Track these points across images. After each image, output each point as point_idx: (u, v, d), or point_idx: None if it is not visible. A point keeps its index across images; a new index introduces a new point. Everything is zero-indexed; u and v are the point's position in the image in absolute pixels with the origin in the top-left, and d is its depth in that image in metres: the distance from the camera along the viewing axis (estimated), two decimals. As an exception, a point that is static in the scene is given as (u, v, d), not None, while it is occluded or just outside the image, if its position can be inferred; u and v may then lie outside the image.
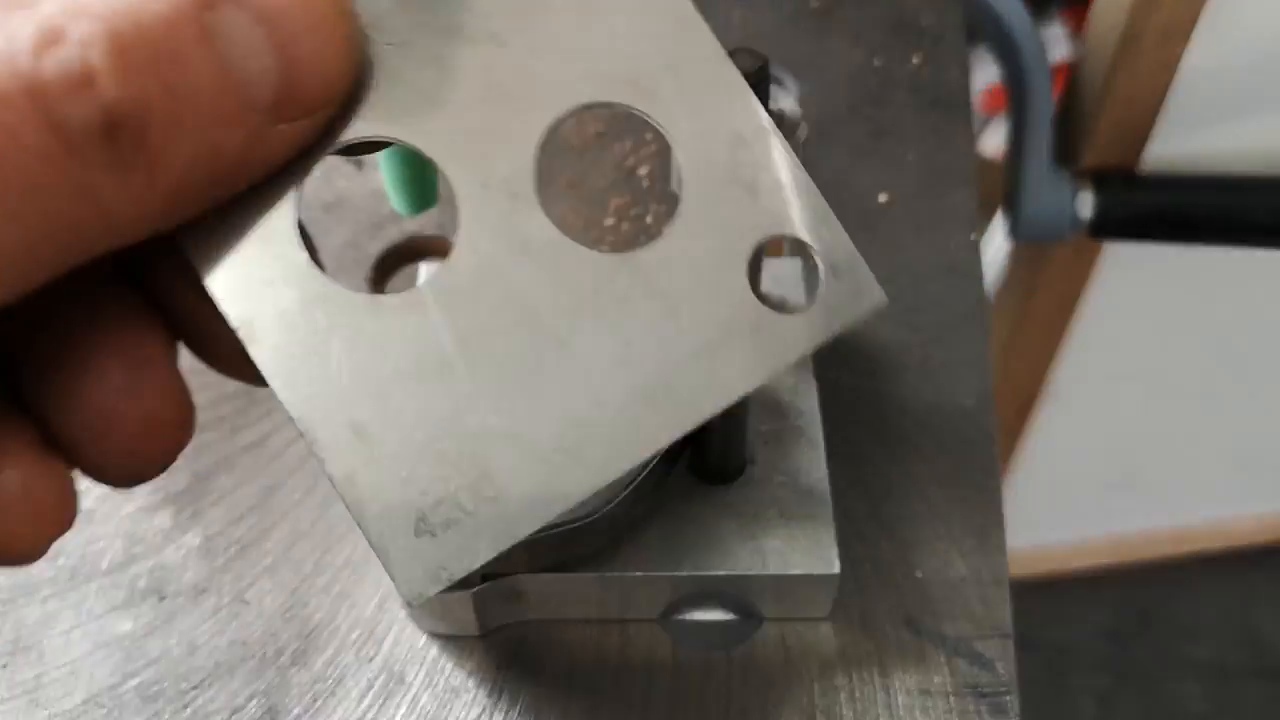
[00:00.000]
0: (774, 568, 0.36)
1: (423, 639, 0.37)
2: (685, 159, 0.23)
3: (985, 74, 1.10)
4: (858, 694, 0.36)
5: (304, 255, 0.22)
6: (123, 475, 0.22)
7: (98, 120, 0.18)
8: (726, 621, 0.38)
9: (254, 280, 0.22)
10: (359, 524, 0.23)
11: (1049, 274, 0.90)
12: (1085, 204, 0.77)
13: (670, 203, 0.51)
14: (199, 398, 0.41)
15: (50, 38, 0.17)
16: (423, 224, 0.48)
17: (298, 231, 0.22)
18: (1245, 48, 0.74)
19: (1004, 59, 0.75)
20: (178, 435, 0.22)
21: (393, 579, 0.23)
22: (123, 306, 0.22)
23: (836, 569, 0.36)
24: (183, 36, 0.18)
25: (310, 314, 0.22)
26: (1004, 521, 0.40)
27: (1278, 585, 1.45)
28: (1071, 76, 0.80)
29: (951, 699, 0.36)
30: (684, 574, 0.36)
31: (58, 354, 0.21)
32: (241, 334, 0.22)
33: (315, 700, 0.36)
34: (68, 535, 0.37)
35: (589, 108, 0.24)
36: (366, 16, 0.23)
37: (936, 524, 0.40)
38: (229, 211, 0.22)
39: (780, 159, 0.23)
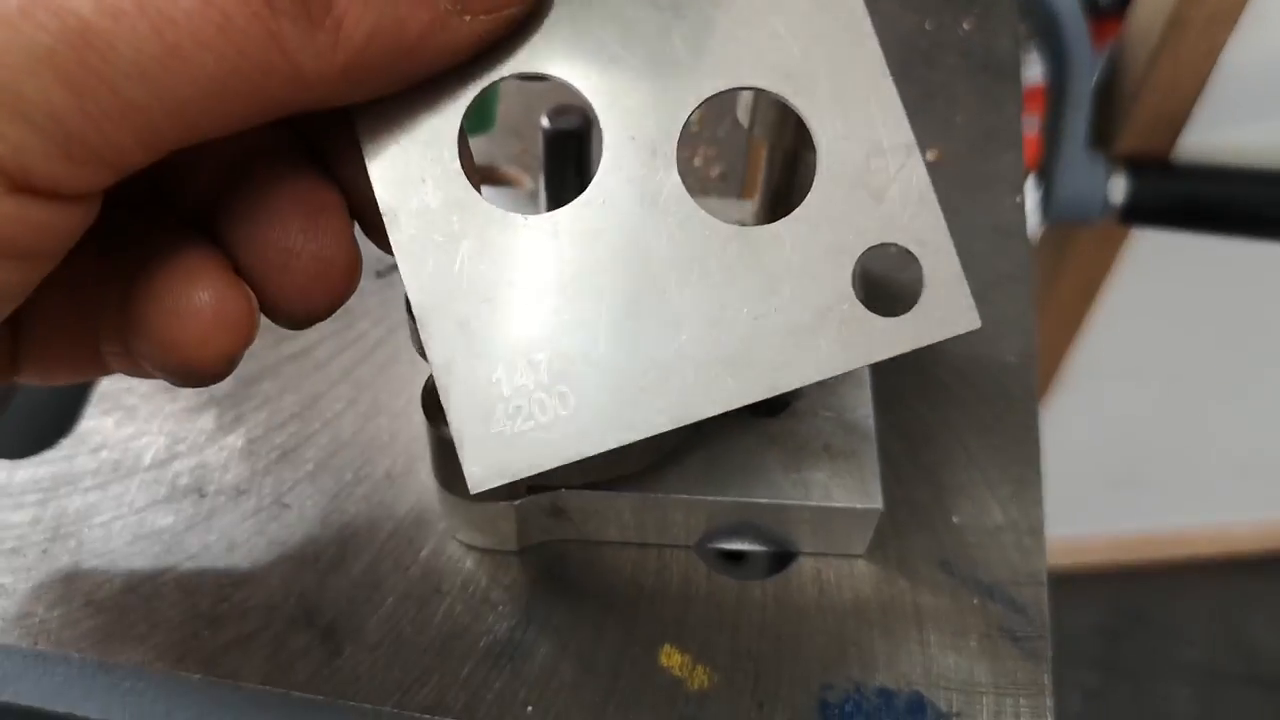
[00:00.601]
0: (816, 499, 0.36)
1: (460, 551, 0.37)
2: (823, 155, 0.25)
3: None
4: (892, 630, 0.36)
5: (457, 164, 0.24)
6: (296, 312, 0.25)
7: None
8: (761, 553, 0.38)
9: (409, 174, 0.24)
10: (445, 408, 0.24)
11: (1074, 259, 0.90)
12: (1118, 188, 0.77)
13: (720, 147, 0.52)
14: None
15: None
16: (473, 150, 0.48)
17: (458, 139, 0.24)
18: (1289, 40, 0.74)
19: (1046, 38, 0.75)
20: (346, 279, 0.25)
21: (462, 464, 0.25)
22: (304, 167, 0.24)
23: (879, 504, 0.36)
24: None
25: (449, 216, 0.24)
26: (1042, 475, 0.40)
27: (1272, 593, 1.45)
28: (1112, 61, 0.80)
29: (985, 641, 0.36)
30: (726, 499, 0.36)
31: (248, 199, 0.24)
32: (386, 219, 0.24)
33: (351, 604, 0.36)
34: (110, 429, 0.37)
35: (744, 90, 0.25)
36: None
37: (974, 472, 0.40)
38: (400, 104, 0.24)
39: (912, 174, 0.25)
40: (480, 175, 0.49)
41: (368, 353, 0.43)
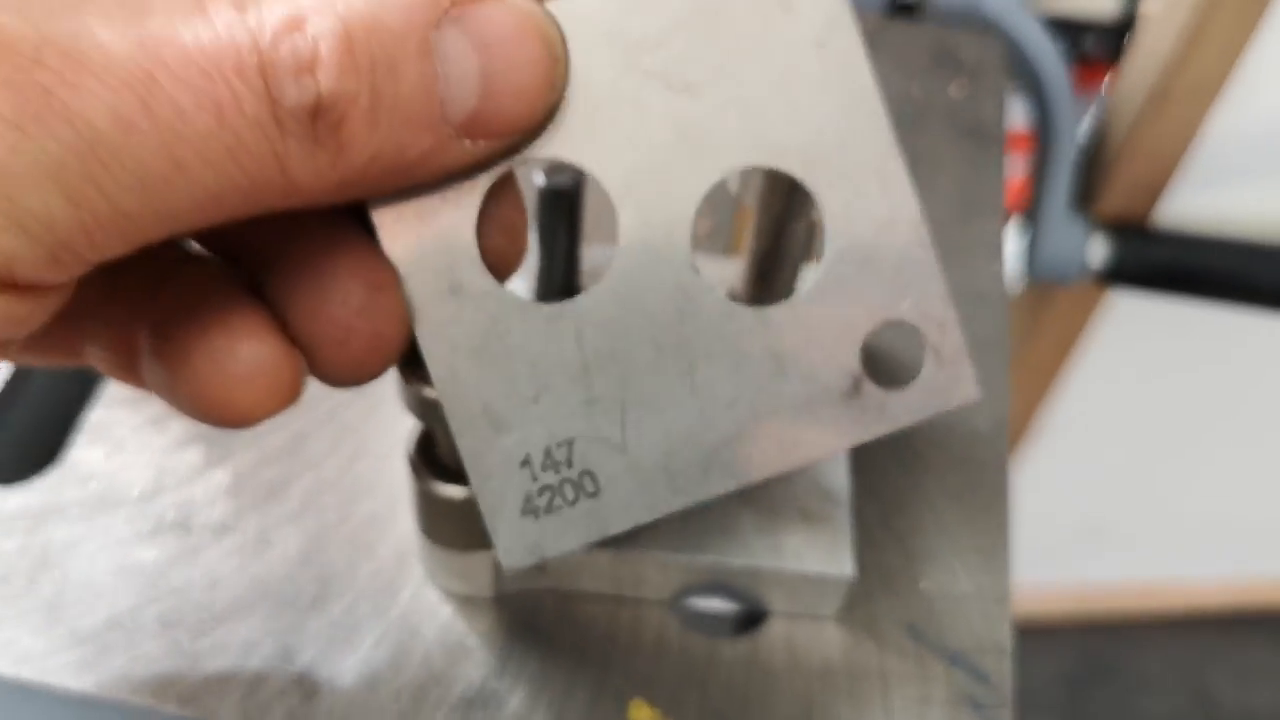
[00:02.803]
0: (789, 564, 0.37)
1: (437, 597, 0.38)
2: (831, 232, 0.25)
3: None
4: (858, 695, 0.37)
5: (476, 253, 0.25)
6: (345, 379, 0.25)
7: (308, 103, 0.20)
8: (733, 612, 0.39)
9: (428, 266, 0.24)
10: (477, 495, 0.26)
11: (1051, 316, 0.92)
12: (1098, 251, 0.79)
13: (708, 203, 0.53)
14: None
15: (292, 25, 0.20)
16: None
17: (474, 227, 0.24)
18: (1269, 114, 0.76)
19: (1033, 100, 0.76)
20: (396, 351, 0.25)
21: (496, 547, 0.26)
22: (360, 237, 0.24)
23: (851, 571, 0.37)
24: (405, 49, 0.21)
25: (468, 305, 0.25)
26: (1009, 543, 0.41)
27: (1235, 649, 1.47)
28: (1096, 126, 0.81)
29: (948, 708, 0.37)
30: (700, 559, 0.37)
31: (307, 268, 0.24)
32: (409, 310, 0.24)
33: (330, 645, 0.37)
34: (99, 461, 0.37)
35: (756, 169, 0.26)
36: (578, 52, 0.24)
37: (944, 539, 0.41)
38: (415, 196, 0.24)
39: (920, 249, 0.25)
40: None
41: (355, 395, 0.44)
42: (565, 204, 0.40)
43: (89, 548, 0.38)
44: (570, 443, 0.25)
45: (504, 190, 0.25)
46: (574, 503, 0.26)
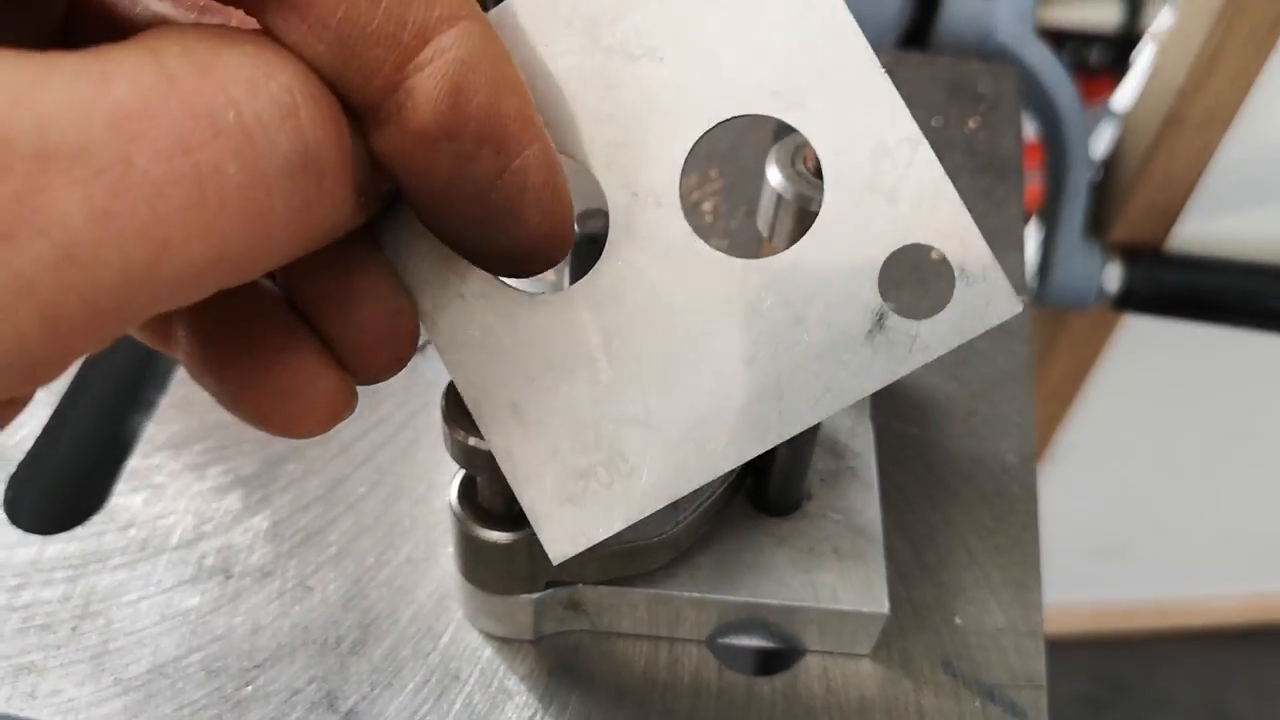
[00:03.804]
0: (825, 601, 0.37)
1: (478, 639, 0.39)
2: (828, 167, 0.24)
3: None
4: (895, 730, 0.37)
5: None
6: (379, 376, 0.25)
7: (298, 151, 0.19)
8: (769, 650, 0.39)
9: (436, 276, 0.25)
10: (516, 493, 0.26)
11: (1066, 341, 0.92)
12: (1113, 276, 0.79)
13: (733, 239, 0.53)
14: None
15: (266, 74, 0.19)
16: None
17: None
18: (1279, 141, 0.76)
19: (1046, 129, 0.77)
20: (410, 357, 0.26)
21: (541, 540, 0.26)
22: (378, 256, 0.25)
23: (886, 609, 0.37)
24: (377, 96, 0.21)
25: (479, 308, 0.25)
26: (1041, 576, 0.42)
27: (1253, 666, 1.46)
28: (1109, 152, 0.82)
29: (984, 743, 0.37)
30: (736, 599, 0.37)
31: (332, 296, 0.24)
32: (423, 321, 0.25)
33: (373, 689, 0.37)
34: (139, 508, 0.38)
35: (737, 119, 0.25)
36: (540, 44, 0.24)
37: (976, 573, 0.41)
38: (412, 213, 0.24)
39: (923, 168, 0.24)
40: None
41: (391, 436, 0.44)
42: (596, 250, 0.41)
43: (131, 595, 0.39)
44: (597, 427, 0.25)
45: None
46: (610, 485, 0.25)
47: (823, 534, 0.39)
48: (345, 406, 0.25)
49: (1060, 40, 1.54)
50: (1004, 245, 0.54)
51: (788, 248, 0.36)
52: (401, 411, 0.45)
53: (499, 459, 0.25)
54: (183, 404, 0.44)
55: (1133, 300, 0.80)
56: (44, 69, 0.17)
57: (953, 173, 0.57)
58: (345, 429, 0.44)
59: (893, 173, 0.24)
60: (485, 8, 0.25)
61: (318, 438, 0.43)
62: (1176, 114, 0.72)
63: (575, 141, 0.25)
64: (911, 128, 0.24)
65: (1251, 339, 0.83)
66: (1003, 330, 0.50)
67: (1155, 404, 1.05)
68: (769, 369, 0.25)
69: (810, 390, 0.25)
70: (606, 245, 0.25)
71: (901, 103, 0.24)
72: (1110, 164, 0.81)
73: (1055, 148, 0.77)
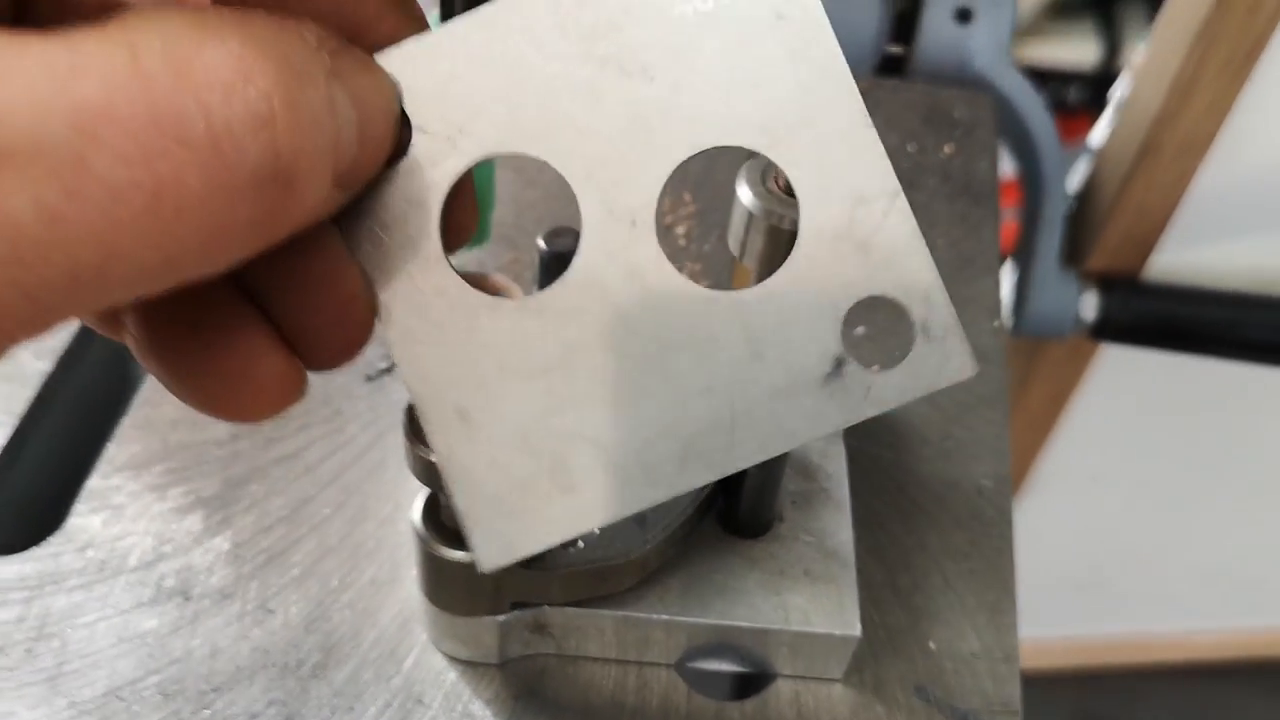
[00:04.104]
0: (795, 624, 0.37)
1: (442, 662, 0.38)
2: (806, 209, 0.24)
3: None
4: (867, 756, 0.37)
5: (440, 253, 0.24)
6: (332, 363, 0.25)
7: (268, 163, 0.19)
8: (739, 674, 0.38)
9: (394, 268, 0.24)
10: (451, 495, 0.25)
11: (1043, 370, 0.92)
12: (1089, 305, 0.79)
13: (705, 262, 0.53)
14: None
15: (244, 78, 0.18)
16: (464, 261, 0.49)
17: (439, 230, 0.24)
18: (1257, 169, 0.76)
19: (1022, 158, 0.77)
20: (363, 347, 0.25)
21: (472, 548, 0.25)
22: (333, 240, 0.24)
23: (858, 631, 0.37)
24: (323, 103, 0.20)
25: (437, 306, 0.24)
26: (1016, 601, 0.41)
27: (1233, 701, 1.46)
28: (1086, 181, 0.82)
29: (958, 769, 0.36)
30: (706, 621, 0.37)
31: (285, 279, 0.24)
32: (379, 314, 0.24)
33: (333, 713, 0.36)
34: (98, 528, 0.37)
35: (720, 149, 0.25)
36: (531, 46, 0.24)
37: (951, 597, 0.41)
38: (378, 200, 0.24)
39: (899, 222, 0.24)
40: (471, 283, 0.50)
41: (357, 457, 0.43)
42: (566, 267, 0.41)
43: (88, 617, 0.38)
44: (543, 438, 0.25)
45: (458, 192, 0.25)
46: (550, 499, 0.25)
47: (794, 556, 0.38)
48: (294, 391, 0.24)
49: (1039, 79, 1.55)
50: (978, 270, 0.54)
51: (758, 267, 0.36)
52: (368, 433, 0.44)
53: (439, 460, 0.25)
54: (144, 424, 0.44)
55: (1109, 329, 0.80)
56: (8, 54, 0.16)
57: (928, 198, 0.58)
58: (311, 449, 0.43)
59: (868, 223, 0.24)
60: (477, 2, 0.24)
61: (283, 459, 0.42)
62: (1152, 143, 0.72)
63: (554, 149, 0.24)
64: (892, 181, 0.24)
65: (1229, 369, 0.83)
66: (977, 355, 0.49)
67: (1133, 434, 1.04)
68: (724, 401, 0.25)
69: (762, 427, 0.25)
70: (575, 258, 0.25)
71: (884, 154, 0.24)
72: (1086, 193, 0.81)
73: (1031, 177, 0.77)
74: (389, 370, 0.46)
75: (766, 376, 0.25)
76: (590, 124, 0.24)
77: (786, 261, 0.25)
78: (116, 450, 0.43)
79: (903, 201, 0.24)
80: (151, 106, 0.17)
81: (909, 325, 0.25)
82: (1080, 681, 1.42)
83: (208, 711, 0.36)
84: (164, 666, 0.37)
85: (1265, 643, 1.42)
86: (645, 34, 0.24)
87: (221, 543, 0.40)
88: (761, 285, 0.25)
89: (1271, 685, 1.46)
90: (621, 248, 0.25)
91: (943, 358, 0.25)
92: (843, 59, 0.24)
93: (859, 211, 0.24)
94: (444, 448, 0.25)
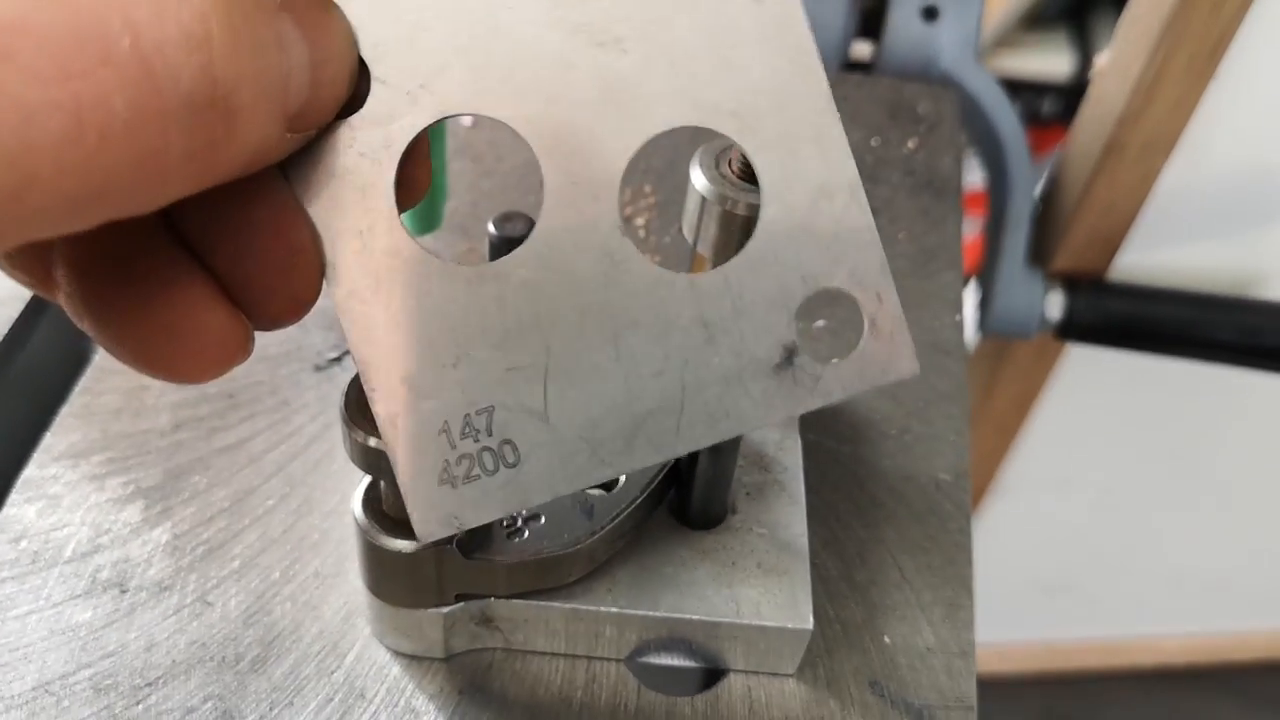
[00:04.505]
0: (747, 617, 0.36)
1: (386, 657, 0.37)
2: (767, 198, 0.24)
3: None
4: (819, 752, 0.36)
5: (394, 211, 0.23)
6: (277, 320, 0.24)
7: (204, 88, 0.18)
8: (691, 669, 0.38)
9: (345, 225, 0.23)
10: (393, 463, 0.24)
11: (1010, 370, 0.92)
12: (1055, 305, 0.79)
13: (664, 254, 0.52)
14: (177, 397, 0.41)
15: None
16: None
17: (393, 188, 0.23)
18: (1221, 169, 0.76)
19: (988, 158, 0.77)
20: (310, 306, 0.24)
21: (411, 516, 0.25)
22: (282, 189, 0.23)
23: (810, 624, 0.36)
24: (269, 31, 0.19)
25: (388, 266, 0.24)
26: (974, 596, 0.40)
27: (1201, 706, 1.46)
28: (1051, 181, 0.82)
29: (912, 765, 0.36)
30: (656, 614, 0.36)
31: (229, 227, 0.22)
32: (326, 272, 0.23)
33: (272, 708, 0.35)
34: (32, 519, 0.36)
35: (689, 129, 0.24)
36: (503, 4, 0.23)
37: (907, 592, 0.40)
38: (331, 152, 0.23)
39: (857, 215, 0.24)
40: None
41: (303, 448, 0.42)
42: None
43: (19, 609, 0.37)
44: (490, 410, 0.24)
45: (414, 149, 0.24)
46: (493, 472, 0.24)
47: (747, 548, 0.38)
48: (238, 349, 0.23)
49: (1014, 90, 1.56)
50: (941, 265, 0.54)
51: (712, 253, 0.35)
52: (315, 423, 0.43)
53: (381, 427, 0.24)
54: (83, 413, 0.43)
55: (1075, 329, 0.80)
56: None
57: (891, 192, 0.57)
58: (256, 440, 0.42)
59: (828, 215, 0.24)
60: None
61: (227, 449, 0.41)
62: (1116, 142, 0.72)
63: (520, 115, 0.24)
64: (854, 175, 0.24)
65: (1195, 370, 0.83)
66: (938, 349, 0.49)
67: (1101, 437, 1.04)
68: (674, 383, 0.25)
69: (711, 411, 0.25)
70: (534, 230, 0.24)
71: (848, 148, 0.24)
72: (1052, 193, 0.81)
73: (997, 175, 0.77)
74: (339, 360, 0.45)
75: (718, 361, 0.25)
76: (558, 92, 0.23)
77: (745, 248, 0.24)
78: (54, 439, 0.42)
79: (862, 195, 0.24)
80: (72, 21, 0.16)
81: (859, 320, 0.25)
82: (1048, 685, 1.43)
83: (140, 706, 0.35)
84: (97, 660, 0.36)
85: (1233, 647, 1.42)
86: (620, 6, 0.23)
87: (161, 534, 0.39)
88: (719, 270, 0.24)
89: (1238, 689, 1.46)
90: (582, 221, 0.24)
91: (889, 355, 0.25)
92: (815, 48, 0.24)
93: (820, 203, 0.24)
94: (387, 414, 0.24)
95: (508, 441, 0.24)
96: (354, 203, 0.23)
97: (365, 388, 0.24)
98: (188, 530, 0.39)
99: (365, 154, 0.23)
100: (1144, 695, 1.45)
